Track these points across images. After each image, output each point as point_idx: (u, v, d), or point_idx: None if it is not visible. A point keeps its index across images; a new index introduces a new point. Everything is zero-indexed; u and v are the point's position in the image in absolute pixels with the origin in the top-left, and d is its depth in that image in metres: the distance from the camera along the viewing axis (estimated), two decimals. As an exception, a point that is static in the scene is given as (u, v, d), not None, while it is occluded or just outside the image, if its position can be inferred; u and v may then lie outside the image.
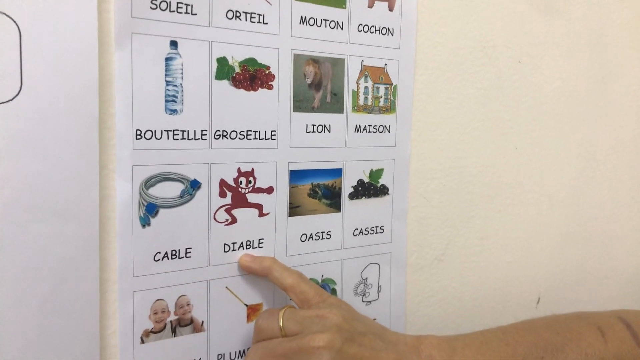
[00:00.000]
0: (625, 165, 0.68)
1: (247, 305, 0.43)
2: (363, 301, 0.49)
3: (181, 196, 0.39)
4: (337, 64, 0.44)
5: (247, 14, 0.40)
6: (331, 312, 0.36)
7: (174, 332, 0.40)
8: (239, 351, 0.42)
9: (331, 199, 0.46)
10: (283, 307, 0.38)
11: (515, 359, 0.38)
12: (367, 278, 0.48)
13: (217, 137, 0.40)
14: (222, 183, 0.40)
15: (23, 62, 0.32)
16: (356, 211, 0.47)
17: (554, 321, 0.42)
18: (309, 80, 0.43)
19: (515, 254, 0.60)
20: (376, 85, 0.47)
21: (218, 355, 0.42)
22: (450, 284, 0.55)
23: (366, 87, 0.46)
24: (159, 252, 0.38)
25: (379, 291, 0.49)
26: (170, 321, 0.39)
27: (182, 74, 0.38)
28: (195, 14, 0.38)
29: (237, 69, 0.40)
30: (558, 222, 0.63)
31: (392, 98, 0.48)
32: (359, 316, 0.38)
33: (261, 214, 0.43)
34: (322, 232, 0.46)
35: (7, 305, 0.33)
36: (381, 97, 0.47)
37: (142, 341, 0.38)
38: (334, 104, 0.45)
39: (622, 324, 0.41)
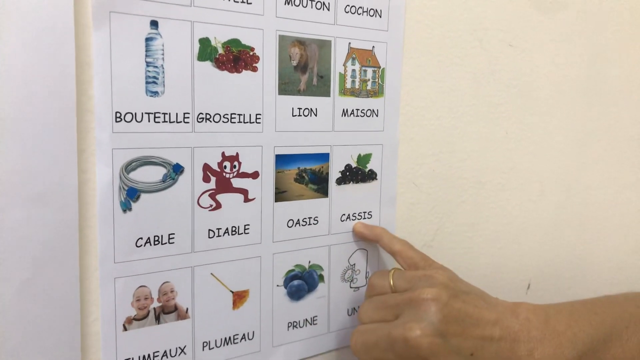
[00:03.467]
0: (617, 150, 0.68)
1: (232, 292, 0.42)
2: (351, 287, 0.48)
3: (163, 180, 0.38)
4: (324, 45, 0.43)
5: (230, -6, 0.39)
6: (437, 273, 0.40)
7: (157, 319, 0.39)
8: (225, 338, 0.42)
9: (318, 184, 0.45)
10: (392, 268, 0.42)
11: (604, 326, 0.39)
12: (354, 264, 0.48)
13: (200, 120, 0.39)
14: (206, 167, 0.40)
15: (-4, 42, 0.31)
16: (344, 196, 0.47)
17: (633, 296, 0.44)
18: (294, 63, 0.42)
19: (505, 240, 0.59)
20: (364, 68, 0.46)
21: (203, 343, 0.41)
22: (440, 270, 0.55)
23: (353, 70, 0.45)
24: (141, 238, 0.38)
25: (366, 277, 0.49)
26: (154, 308, 0.39)
27: (163, 54, 0.37)
28: (176, -7, 0.37)
29: (220, 50, 0.39)
30: (549, 208, 0.63)
31: (380, 81, 0.47)
32: (462, 279, 0.42)
33: (246, 200, 0.42)
34: (309, 218, 0.45)
35: (-16, 292, 0.33)
36: (369, 80, 0.46)
37: (125, 328, 0.38)
38: (321, 87, 0.44)
39: None
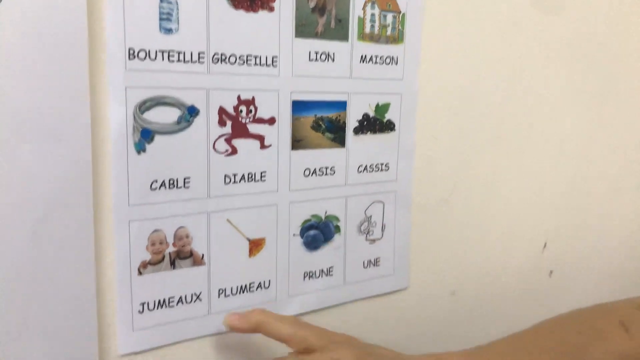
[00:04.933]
0: (638, 108, 0.66)
1: (249, 240, 0.41)
2: (367, 239, 0.47)
3: (178, 122, 0.37)
4: (343, -14, 0.42)
5: None
6: (342, 353, 0.35)
7: (172, 264, 0.38)
8: (241, 286, 0.41)
9: (335, 132, 0.44)
10: (287, 355, 0.37)
11: None
12: (371, 216, 0.47)
13: (215, 60, 0.37)
14: (222, 111, 0.38)
15: (4, -32, 0.30)
16: (361, 147, 0.45)
17: (576, 320, 0.42)
18: (312, 4, 0.41)
19: (523, 198, 0.58)
20: (383, 13, 0.44)
21: (219, 290, 0.40)
22: (456, 226, 0.54)
23: (373, 14, 0.44)
24: (156, 181, 0.37)
25: (382, 230, 0.48)
26: (169, 253, 0.38)
27: (177, -11, 0.35)
28: None
29: (236, -13, 0.37)
30: (568, 167, 0.61)
31: (400, 27, 0.45)
32: (370, 349, 0.37)
33: (263, 146, 0.41)
34: (326, 168, 0.44)
35: (-3, 230, 0.32)
36: (389, 25, 0.45)
37: (140, 272, 0.37)
38: (339, 31, 0.42)
39: None
